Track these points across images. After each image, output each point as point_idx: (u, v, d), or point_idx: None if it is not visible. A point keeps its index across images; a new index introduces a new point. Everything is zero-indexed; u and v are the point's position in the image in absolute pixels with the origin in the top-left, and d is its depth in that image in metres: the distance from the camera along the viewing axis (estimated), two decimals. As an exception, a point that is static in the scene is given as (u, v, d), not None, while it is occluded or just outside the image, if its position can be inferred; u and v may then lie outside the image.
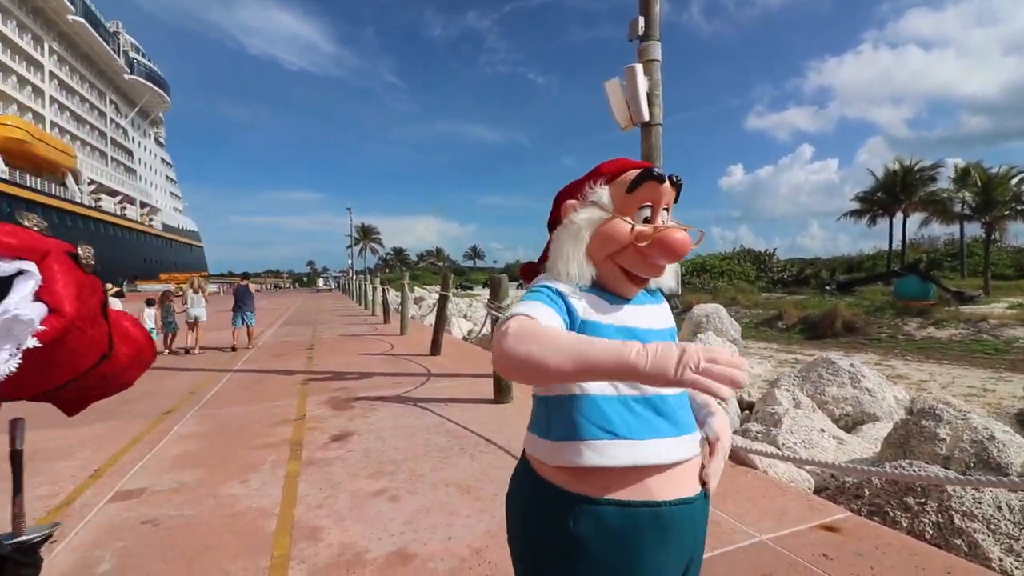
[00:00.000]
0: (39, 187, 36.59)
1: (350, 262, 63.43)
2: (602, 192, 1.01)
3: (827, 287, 31.08)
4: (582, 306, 0.96)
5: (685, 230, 0.96)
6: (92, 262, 0.67)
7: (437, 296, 8.44)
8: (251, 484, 3.32)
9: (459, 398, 5.41)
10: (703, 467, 1.00)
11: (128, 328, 0.63)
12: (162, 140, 75.96)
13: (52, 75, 44.98)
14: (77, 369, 0.59)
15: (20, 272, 0.50)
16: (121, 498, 3.16)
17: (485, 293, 9.96)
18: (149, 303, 9.93)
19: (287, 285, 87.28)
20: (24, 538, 0.66)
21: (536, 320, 0.85)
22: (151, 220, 63.41)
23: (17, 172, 34.60)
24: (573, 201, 1.04)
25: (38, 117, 41.63)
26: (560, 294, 0.95)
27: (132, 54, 61.96)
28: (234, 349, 9.84)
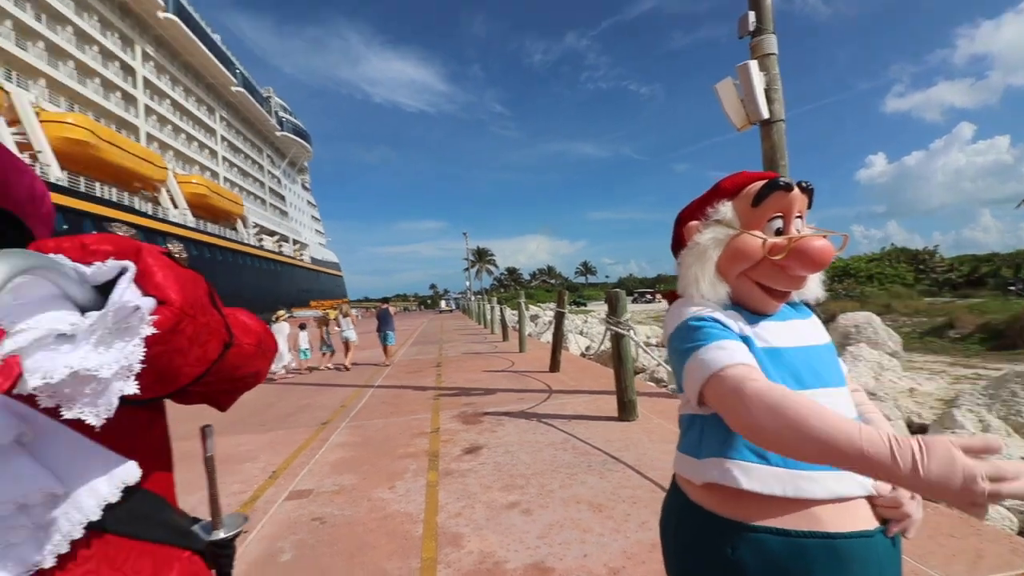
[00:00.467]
0: (218, 232, 43.58)
1: (468, 284, 66.44)
2: (725, 209, 0.98)
3: (1011, 287, 26.09)
4: (733, 326, 0.93)
5: (824, 236, 0.90)
6: (184, 255, 0.71)
7: (552, 314, 8.53)
8: (398, 490, 3.63)
9: (582, 415, 5.42)
10: (876, 501, 0.87)
11: (245, 320, 0.69)
12: (307, 185, 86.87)
13: (223, 138, 53.77)
14: (205, 358, 0.59)
15: (122, 272, 0.51)
16: (294, 497, 3.64)
17: (600, 309, 9.85)
18: (302, 327, 11.39)
19: (415, 307, 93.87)
20: (223, 534, 0.75)
21: (754, 368, 0.82)
22: (301, 254, 72.30)
23: (202, 220, 41.62)
24: (695, 222, 1.02)
25: (214, 174, 49.85)
26: (718, 321, 0.92)
27: (281, 114, 71.96)
28: (386, 363, 11.21)
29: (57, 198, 23.41)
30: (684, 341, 0.92)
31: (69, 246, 0.52)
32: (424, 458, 4.33)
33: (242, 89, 55.74)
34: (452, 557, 2.66)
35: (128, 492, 0.58)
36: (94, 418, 0.47)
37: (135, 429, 0.62)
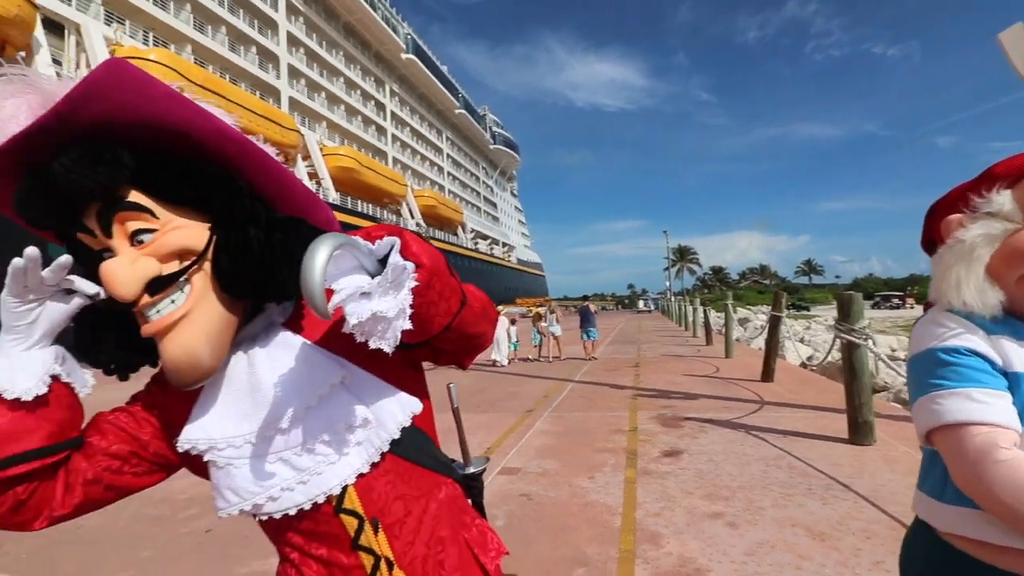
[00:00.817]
0: (443, 237, 50.24)
1: (667, 283, 63.90)
2: (1002, 199, 0.82)
3: None
4: (1003, 354, 0.78)
5: None
6: (426, 235, 0.89)
7: (765, 317, 7.73)
8: (597, 481, 3.77)
9: (801, 432, 4.82)
10: None
11: (473, 289, 0.83)
12: (515, 192, 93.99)
13: (447, 155, 61.61)
14: (449, 312, 0.70)
15: (392, 247, 0.63)
16: (505, 473, 4.05)
17: (827, 314, 8.52)
18: (512, 323, 12.59)
19: (612, 307, 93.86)
20: (472, 469, 0.94)
21: (1009, 433, 0.72)
22: (509, 256, 78.63)
23: (431, 228, 48.48)
24: (957, 215, 0.87)
25: (440, 187, 57.50)
26: (977, 354, 0.78)
27: (494, 128, 79.20)
28: (589, 359, 11.86)
29: (335, 215, 29.87)
30: (927, 373, 0.81)
31: (360, 234, 0.68)
32: (622, 454, 4.39)
33: (463, 111, 63.01)
34: (650, 554, 2.68)
35: (409, 429, 0.79)
36: (387, 347, 0.63)
37: (411, 382, 0.83)
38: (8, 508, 0.65)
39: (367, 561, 0.76)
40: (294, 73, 32.61)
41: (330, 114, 36.19)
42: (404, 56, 47.25)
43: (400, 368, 0.80)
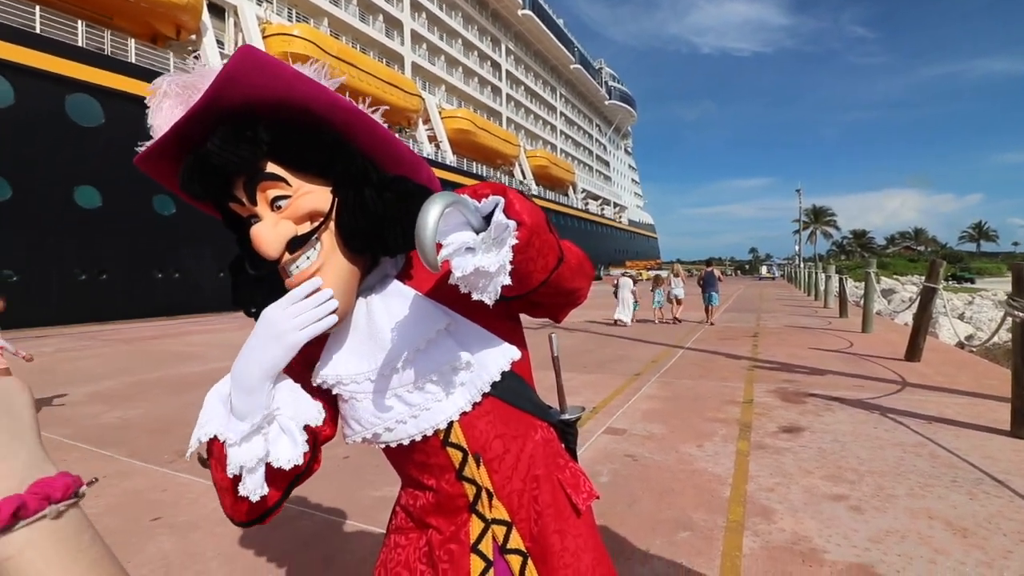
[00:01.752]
0: (553, 198, 50.06)
1: (797, 248, 57.90)
2: None
3: None
4: None
5: None
6: (530, 193, 0.92)
7: (916, 289, 6.83)
8: (705, 450, 3.72)
9: (949, 419, 4.28)
10: None
11: (570, 245, 0.86)
12: (629, 150, 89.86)
13: (561, 114, 60.37)
14: (547, 267, 0.74)
15: (496, 205, 0.67)
16: (610, 433, 4.15)
17: (998, 287, 7.23)
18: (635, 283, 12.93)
19: (730, 272, 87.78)
20: (567, 416, 1.00)
21: None
22: (620, 217, 76.32)
23: (542, 188, 48.47)
24: None
25: (552, 147, 56.85)
26: None
27: (610, 83, 75.60)
28: (707, 323, 11.95)
29: (452, 176, 31.09)
30: None
31: (467, 192, 0.74)
32: (734, 426, 4.25)
33: (578, 66, 60.88)
34: (761, 528, 2.63)
35: (508, 373, 0.87)
36: (488, 299, 0.69)
37: (509, 332, 0.90)
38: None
39: (470, 491, 0.86)
40: (416, 38, 33.67)
41: (449, 77, 37.05)
42: (521, 12, 46.44)
43: (500, 318, 0.87)
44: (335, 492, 3.08)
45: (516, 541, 0.87)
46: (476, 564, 0.85)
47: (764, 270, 65.42)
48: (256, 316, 0.84)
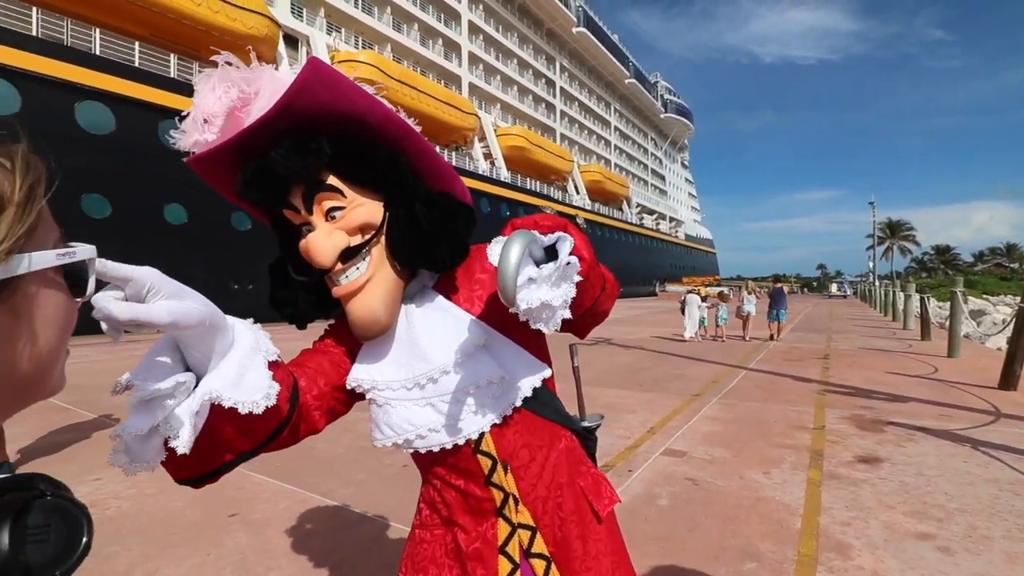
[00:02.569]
0: (606, 212, 49.62)
1: (871, 264, 54.23)
2: None
3: None
4: None
5: None
6: (584, 226, 0.95)
7: (1010, 310, 6.27)
8: (773, 477, 3.54)
9: (1058, 456, 3.87)
10: None
11: (606, 272, 0.88)
12: (686, 163, 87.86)
13: (615, 128, 60.02)
14: (593, 295, 0.80)
15: (558, 239, 0.71)
16: (669, 454, 4.03)
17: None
18: (703, 299, 12.86)
19: (796, 290, 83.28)
20: (588, 423, 1.03)
21: None
22: (676, 231, 74.47)
23: (596, 203, 48.22)
24: None
25: (606, 161, 56.52)
26: None
27: (666, 96, 74.54)
28: (772, 339, 11.91)
29: (506, 192, 31.56)
30: None
31: (528, 222, 0.78)
32: (804, 453, 4.03)
33: (633, 80, 60.50)
34: (836, 564, 2.48)
35: (537, 387, 0.89)
36: (548, 330, 0.72)
37: (536, 344, 0.93)
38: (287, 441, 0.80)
39: (497, 496, 0.89)
40: (473, 59, 34.67)
41: (504, 95, 37.80)
42: (575, 30, 46.87)
43: (528, 331, 0.89)
44: (396, 500, 3.17)
45: (540, 545, 0.90)
46: (504, 565, 0.88)
47: (834, 287, 61.63)
48: (293, 319, 0.87)
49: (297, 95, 0.70)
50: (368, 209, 0.80)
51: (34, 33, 13.68)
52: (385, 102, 0.79)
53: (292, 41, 22.23)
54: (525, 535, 0.89)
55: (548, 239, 0.70)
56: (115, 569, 2.46)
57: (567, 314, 0.69)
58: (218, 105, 0.73)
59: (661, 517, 2.98)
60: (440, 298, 0.89)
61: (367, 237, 0.80)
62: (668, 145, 76.81)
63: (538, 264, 0.68)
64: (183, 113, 0.77)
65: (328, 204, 0.78)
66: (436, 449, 0.86)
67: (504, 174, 33.60)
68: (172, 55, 16.55)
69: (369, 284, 0.80)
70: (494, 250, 0.74)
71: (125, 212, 14.38)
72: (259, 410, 0.64)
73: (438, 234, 0.81)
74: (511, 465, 0.88)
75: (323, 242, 0.77)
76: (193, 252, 15.99)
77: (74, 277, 0.43)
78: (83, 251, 0.43)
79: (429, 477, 0.96)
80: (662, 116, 72.63)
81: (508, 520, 0.90)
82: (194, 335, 0.59)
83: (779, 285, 12.70)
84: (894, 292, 18.97)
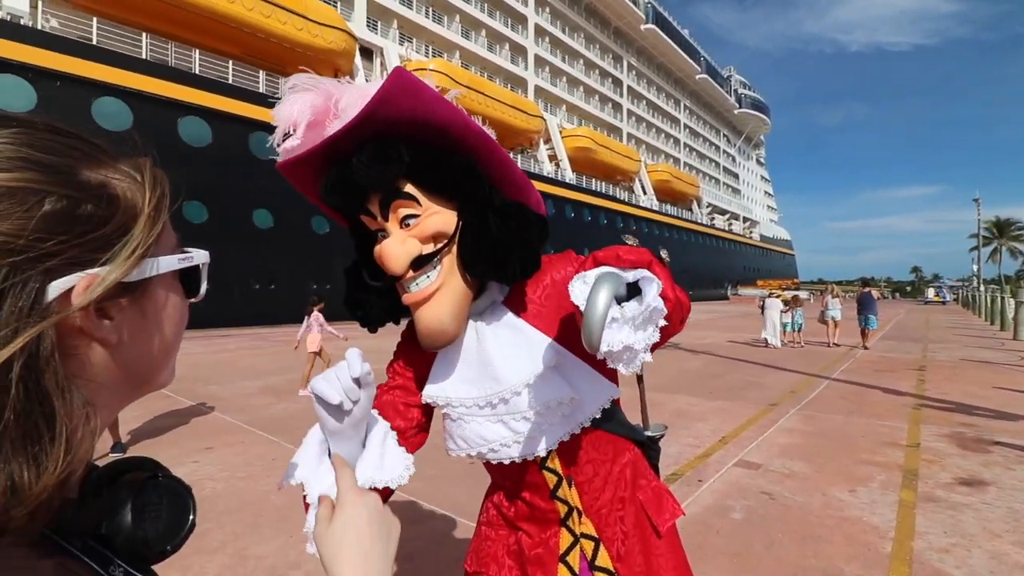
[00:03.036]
0: (675, 213, 48.08)
1: (975, 267, 48.91)
2: None
3: None
4: None
5: None
6: (668, 260, 0.91)
7: None
8: (859, 496, 3.30)
9: None
10: None
11: (684, 298, 0.84)
12: (762, 160, 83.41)
13: (685, 126, 58.03)
14: (672, 332, 0.78)
15: (642, 278, 0.68)
16: (742, 466, 3.85)
17: None
18: (785, 304, 12.22)
19: (887, 295, 76.63)
20: (651, 433, 1.02)
21: None
22: (751, 232, 70.85)
23: (664, 204, 46.87)
24: None
25: (675, 160, 54.77)
26: None
27: (740, 90, 71.14)
28: (864, 347, 11.24)
29: (571, 193, 31.40)
30: None
31: (610, 256, 0.76)
32: (896, 472, 3.72)
33: (705, 76, 58.26)
34: (931, 592, 2.28)
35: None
36: (627, 371, 0.72)
37: (604, 362, 0.88)
38: None
39: (561, 508, 0.91)
40: (539, 62, 34.79)
41: (570, 97, 37.64)
42: (643, 27, 45.85)
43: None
44: (466, 495, 3.25)
45: (604, 559, 0.89)
46: (563, 574, 0.89)
47: (931, 292, 56.06)
48: (365, 322, 0.89)
49: (380, 103, 0.72)
50: (442, 218, 0.80)
51: (143, 56, 15.24)
52: (464, 111, 0.79)
53: (367, 53, 23.33)
54: (588, 545, 0.90)
55: (631, 275, 0.68)
56: (209, 544, 2.70)
57: (648, 357, 0.68)
58: (301, 115, 0.76)
59: (735, 531, 2.86)
60: (510, 315, 0.88)
61: (439, 246, 0.80)
62: (742, 142, 73.35)
63: (620, 302, 0.66)
64: (273, 123, 0.81)
65: (404, 211, 0.78)
66: (505, 462, 0.88)
67: (569, 175, 33.45)
68: (261, 71, 17.86)
69: (438, 293, 0.80)
70: (576, 289, 0.68)
71: (219, 217, 15.66)
72: (404, 482, 0.79)
73: (510, 245, 0.80)
74: (575, 480, 0.90)
75: (396, 249, 0.78)
76: (278, 254, 17.16)
77: (188, 279, 0.47)
78: (199, 256, 0.47)
79: (497, 482, 0.99)
80: (736, 112, 69.46)
81: (571, 531, 0.91)
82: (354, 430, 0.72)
83: (867, 289, 11.96)
84: (1002, 298, 17.04)
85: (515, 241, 0.81)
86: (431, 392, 0.90)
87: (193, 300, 0.48)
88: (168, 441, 4.46)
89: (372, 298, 0.87)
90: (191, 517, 0.45)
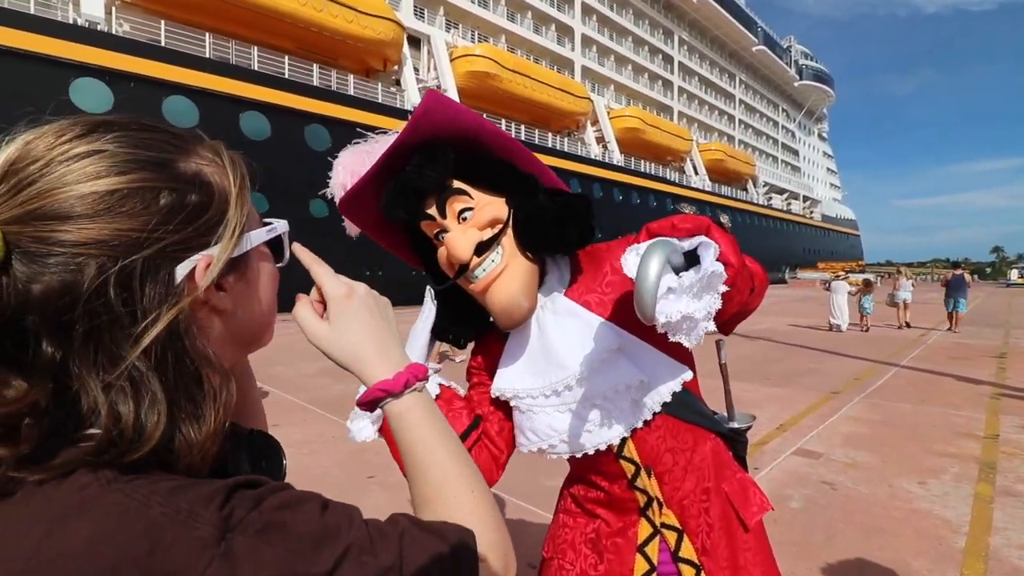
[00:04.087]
0: (729, 194, 46.22)
1: (1072, 247, 44.33)
2: None
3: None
4: None
5: None
6: (730, 225, 0.88)
7: None
8: (930, 489, 3.14)
9: None
10: None
11: (757, 269, 0.80)
12: (824, 135, 78.42)
13: (740, 101, 55.31)
14: (741, 300, 0.76)
15: (699, 244, 0.68)
16: (802, 454, 3.73)
17: None
18: (855, 286, 12.04)
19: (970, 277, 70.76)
20: (736, 425, 0.98)
21: None
22: (811, 212, 67.08)
23: (717, 184, 45.13)
24: None
25: (730, 138, 52.43)
26: None
27: (801, 62, 66.88)
28: (949, 329, 11.19)
29: (619, 175, 30.73)
30: None
31: (665, 226, 0.76)
32: (972, 464, 3.50)
33: (763, 47, 55.12)
34: (1010, 591, 2.15)
35: (679, 391, 0.87)
36: (689, 343, 0.72)
37: (679, 346, 0.84)
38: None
39: (641, 498, 0.90)
40: (586, 42, 33.95)
41: (618, 76, 36.63)
42: (696, -1, 43.84)
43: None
44: (514, 478, 3.32)
45: (688, 551, 0.89)
46: (640, 565, 0.89)
47: (1015, 274, 51.39)
48: (454, 341, 0.98)
49: (424, 116, 0.79)
50: (494, 207, 0.85)
51: (207, 55, 16.01)
52: (485, 118, 0.87)
53: (414, 41, 23.54)
54: (672, 536, 0.90)
55: (688, 244, 0.68)
56: (283, 512, 2.89)
57: (711, 326, 0.68)
58: (349, 178, 0.92)
59: (794, 520, 2.80)
60: (571, 303, 0.90)
61: (496, 231, 0.84)
62: (803, 116, 69.25)
63: (677, 272, 0.66)
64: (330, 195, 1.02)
65: (459, 206, 0.84)
66: (579, 454, 0.88)
67: (617, 157, 32.69)
68: (314, 64, 18.40)
69: (505, 272, 0.84)
70: (629, 260, 0.69)
71: (279, 207, 16.39)
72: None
73: (564, 216, 0.85)
74: (655, 470, 0.89)
75: (460, 238, 0.82)
76: (333, 242, 17.77)
77: (275, 247, 0.52)
78: (280, 225, 0.53)
79: (575, 473, 0.99)
80: (796, 84, 65.55)
81: (651, 521, 0.91)
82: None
83: (960, 272, 11.85)
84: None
85: (568, 211, 0.85)
86: (499, 385, 0.93)
87: (280, 265, 0.54)
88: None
89: (456, 319, 0.95)
90: (284, 462, 0.55)
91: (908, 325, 11.79)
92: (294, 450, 3.93)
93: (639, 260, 0.62)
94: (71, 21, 13.57)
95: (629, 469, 0.89)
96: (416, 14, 23.57)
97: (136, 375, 0.37)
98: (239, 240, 0.44)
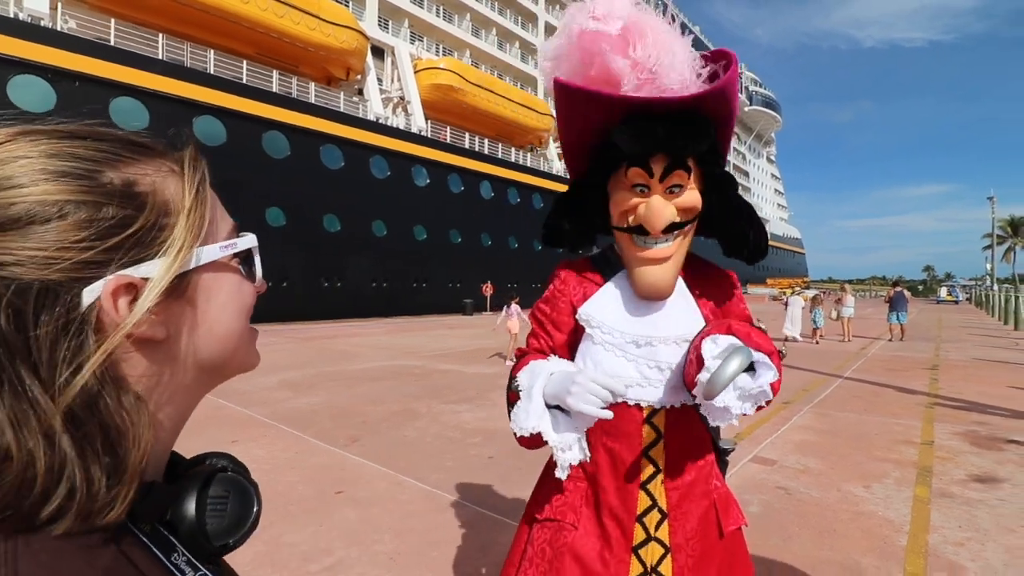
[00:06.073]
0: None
1: (988, 267, 48.31)
2: None
3: None
4: None
5: None
6: (765, 328, 1.02)
7: None
8: (874, 492, 3.36)
9: None
10: None
11: (761, 335, 0.91)
12: (772, 158, 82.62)
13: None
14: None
15: (762, 364, 0.81)
16: (758, 462, 3.91)
17: None
18: (806, 301, 13.32)
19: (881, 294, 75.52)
20: (725, 446, 1.09)
21: None
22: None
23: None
24: None
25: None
26: None
27: (751, 88, 70.59)
28: (900, 340, 12.56)
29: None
30: None
31: (742, 332, 0.84)
32: (910, 469, 3.77)
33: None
34: (947, 584, 2.34)
35: None
36: (711, 423, 0.89)
37: None
38: None
39: (647, 468, 0.98)
40: (547, 59, 34.68)
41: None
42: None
43: None
44: (484, 489, 3.34)
45: (664, 533, 0.98)
46: (639, 533, 0.97)
47: (944, 292, 55.39)
48: (567, 245, 1.05)
49: (720, 90, 0.84)
50: (696, 195, 0.92)
51: (160, 56, 15.43)
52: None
53: (378, 52, 23.40)
54: (655, 517, 0.99)
55: (755, 357, 0.80)
56: (248, 531, 2.80)
57: (735, 422, 0.83)
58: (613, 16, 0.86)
59: (752, 524, 2.89)
60: (685, 287, 1.01)
61: (688, 219, 0.92)
62: (753, 139, 72.78)
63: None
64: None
65: (675, 180, 0.89)
66: (619, 401, 0.92)
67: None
68: (274, 71, 18.02)
69: (671, 259, 0.92)
70: (708, 349, 0.80)
71: (234, 215, 15.76)
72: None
73: (751, 221, 0.96)
74: (667, 447, 0.98)
75: (663, 208, 0.88)
76: (290, 252, 17.35)
77: (245, 262, 0.46)
78: (244, 241, 0.46)
79: (597, 428, 1.01)
80: (746, 109, 68.91)
81: (650, 495, 0.98)
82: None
83: (899, 289, 13.22)
84: (1017, 297, 16.88)
85: (752, 219, 0.97)
86: (588, 310, 0.99)
87: (255, 283, 0.47)
88: (193, 433, 4.58)
89: (573, 227, 1.03)
90: (255, 511, 0.44)
91: (847, 340, 12.69)
92: (256, 466, 3.78)
93: (723, 355, 0.76)
94: (11, 15, 12.81)
95: (649, 436, 0.96)
96: (380, 25, 23.46)
97: (36, 412, 0.32)
98: (184, 257, 0.38)
